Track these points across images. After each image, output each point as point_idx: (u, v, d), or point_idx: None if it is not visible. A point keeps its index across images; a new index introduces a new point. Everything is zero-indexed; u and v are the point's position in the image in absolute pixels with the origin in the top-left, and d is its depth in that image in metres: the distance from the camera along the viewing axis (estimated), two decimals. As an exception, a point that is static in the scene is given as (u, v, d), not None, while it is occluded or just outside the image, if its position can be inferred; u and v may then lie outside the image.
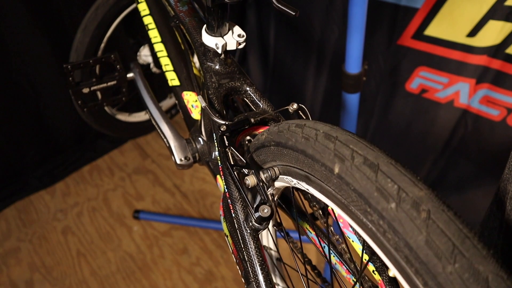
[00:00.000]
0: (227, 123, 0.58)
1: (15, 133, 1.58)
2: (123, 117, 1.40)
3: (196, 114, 0.88)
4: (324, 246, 0.64)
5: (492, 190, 1.31)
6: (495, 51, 1.10)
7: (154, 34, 0.97)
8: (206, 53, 0.73)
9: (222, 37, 0.68)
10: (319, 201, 0.63)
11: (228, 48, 0.69)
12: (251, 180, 0.50)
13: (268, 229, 0.75)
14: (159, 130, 0.92)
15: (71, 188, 1.72)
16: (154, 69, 1.29)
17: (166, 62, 0.94)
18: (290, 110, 0.57)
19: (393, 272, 0.33)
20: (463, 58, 1.16)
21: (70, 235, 1.56)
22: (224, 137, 0.58)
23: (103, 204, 1.66)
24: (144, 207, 1.64)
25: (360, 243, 0.54)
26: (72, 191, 1.71)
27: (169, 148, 0.87)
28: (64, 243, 1.54)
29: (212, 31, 0.68)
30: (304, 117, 0.57)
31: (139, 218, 1.59)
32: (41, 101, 1.58)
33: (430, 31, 1.19)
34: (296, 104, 0.57)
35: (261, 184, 0.50)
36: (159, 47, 0.95)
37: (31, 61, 1.48)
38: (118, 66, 1.12)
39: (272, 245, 0.77)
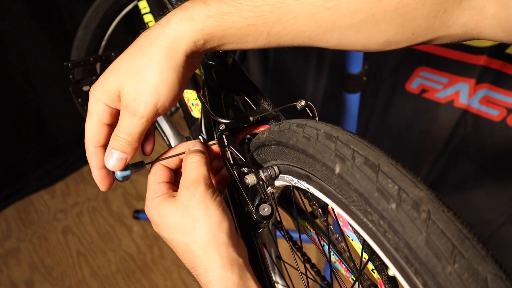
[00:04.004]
0: (226, 121, 0.58)
1: (15, 133, 1.59)
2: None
3: (196, 113, 0.88)
4: (324, 245, 0.64)
5: (492, 190, 1.31)
6: (495, 51, 1.10)
7: (154, 33, 0.97)
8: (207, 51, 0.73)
9: (223, 36, 0.68)
10: (319, 200, 0.63)
11: (228, 47, 0.69)
12: (251, 179, 0.50)
13: (268, 228, 0.75)
14: (159, 128, 0.92)
15: (71, 188, 1.72)
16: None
17: (166, 61, 0.93)
18: (298, 107, 0.57)
19: (392, 271, 0.33)
20: (463, 58, 1.16)
21: (70, 235, 1.57)
22: (224, 136, 0.57)
23: (103, 204, 1.66)
24: (144, 207, 1.64)
25: (360, 242, 0.54)
26: (72, 191, 1.71)
27: (169, 146, 0.87)
28: (64, 243, 1.54)
29: (212, 31, 0.68)
30: (311, 115, 0.57)
31: (139, 218, 1.59)
32: (41, 101, 1.58)
33: (430, 31, 1.19)
34: (304, 101, 0.56)
35: (261, 183, 0.50)
36: (160, 46, 0.95)
37: (31, 61, 1.48)
38: (118, 65, 1.12)
39: (272, 244, 0.77)
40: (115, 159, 0.45)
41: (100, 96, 0.44)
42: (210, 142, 0.55)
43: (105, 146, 0.47)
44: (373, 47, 0.43)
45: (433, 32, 0.40)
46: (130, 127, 0.43)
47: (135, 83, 0.42)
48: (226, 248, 0.44)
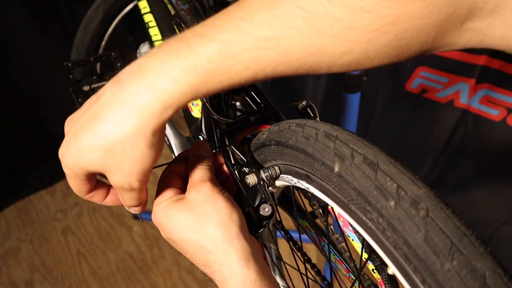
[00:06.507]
0: (227, 121, 0.58)
1: (15, 133, 1.59)
2: (123, 115, 1.40)
3: (196, 112, 0.88)
4: (324, 245, 0.64)
5: (492, 190, 1.32)
6: (495, 51, 1.10)
7: (154, 32, 0.97)
8: (207, 52, 0.73)
9: (223, 36, 0.68)
10: (319, 200, 0.63)
11: (228, 47, 0.69)
12: (251, 179, 0.50)
13: (268, 228, 0.75)
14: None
15: (71, 188, 1.72)
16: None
17: (166, 61, 0.94)
18: (299, 107, 0.57)
19: (392, 270, 0.33)
20: (463, 58, 1.16)
21: (70, 235, 1.57)
22: (225, 135, 0.58)
23: (103, 203, 1.66)
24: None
25: (360, 241, 0.54)
26: (72, 191, 1.71)
27: (170, 146, 0.87)
28: (64, 243, 1.54)
29: (212, 31, 0.68)
30: (312, 115, 0.57)
31: (139, 218, 1.59)
32: (41, 101, 1.59)
33: (430, 31, 1.19)
34: (305, 101, 0.57)
35: (261, 183, 0.50)
36: (160, 46, 0.96)
37: (31, 61, 1.48)
38: (118, 64, 1.12)
39: (272, 244, 0.77)
40: (133, 211, 0.47)
41: (75, 169, 0.42)
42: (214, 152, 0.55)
43: (95, 189, 0.47)
44: (367, 68, 0.42)
45: (430, 51, 0.39)
46: (128, 198, 0.44)
47: (117, 167, 0.39)
48: (240, 241, 0.44)
